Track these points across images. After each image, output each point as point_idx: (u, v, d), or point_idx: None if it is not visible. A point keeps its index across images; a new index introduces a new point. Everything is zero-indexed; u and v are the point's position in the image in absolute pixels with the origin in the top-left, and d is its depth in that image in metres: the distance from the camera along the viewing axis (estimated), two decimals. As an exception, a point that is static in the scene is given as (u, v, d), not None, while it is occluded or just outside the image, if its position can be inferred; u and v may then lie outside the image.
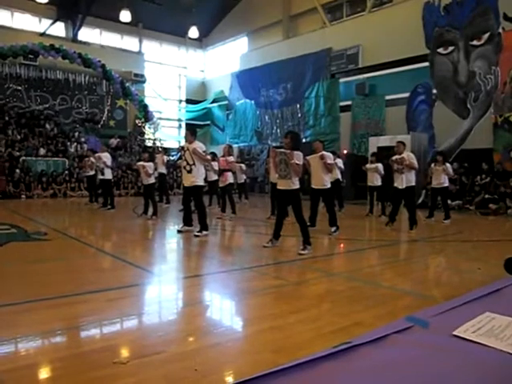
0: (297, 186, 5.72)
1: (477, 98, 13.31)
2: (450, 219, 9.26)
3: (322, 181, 7.24)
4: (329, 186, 7.33)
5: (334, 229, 7.33)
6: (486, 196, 11.92)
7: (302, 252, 5.53)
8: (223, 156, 10.05)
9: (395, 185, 8.00)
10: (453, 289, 3.93)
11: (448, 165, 9.41)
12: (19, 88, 19.04)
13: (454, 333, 0.91)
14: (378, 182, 10.40)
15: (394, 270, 5.12)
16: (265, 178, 19.54)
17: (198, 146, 7.01)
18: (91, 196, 12.58)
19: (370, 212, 10.66)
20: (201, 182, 7.10)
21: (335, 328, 2.87)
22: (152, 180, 9.66)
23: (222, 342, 2.68)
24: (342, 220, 7.74)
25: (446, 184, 9.34)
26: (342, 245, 6.82)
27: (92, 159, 11.66)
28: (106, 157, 11.13)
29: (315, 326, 2.92)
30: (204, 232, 6.95)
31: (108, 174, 11.19)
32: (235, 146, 21.62)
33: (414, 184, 7.92)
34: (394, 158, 8.06)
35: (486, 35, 13.08)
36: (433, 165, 9.63)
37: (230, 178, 9.92)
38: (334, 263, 5.59)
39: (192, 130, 7.37)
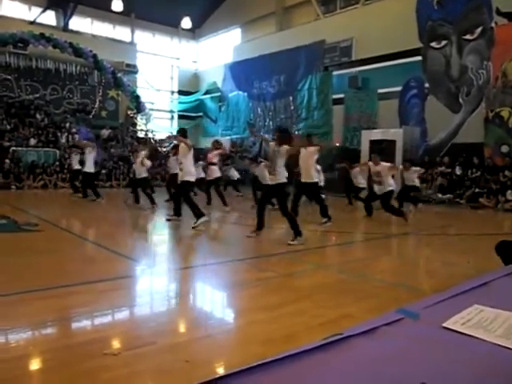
0: (283, 179, 5.81)
1: (469, 93, 13.36)
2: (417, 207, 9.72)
3: (310, 176, 7.28)
4: (316, 180, 7.43)
5: (325, 220, 7.36)
6: (477, 190, 12.03)
7: (291, 242, 5.58)
8: (211, 151, 10.27)
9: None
10: (442, 281, 3.97)
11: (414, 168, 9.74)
12: (9, 77, 18.72)
13: (444, 325, 0.92)
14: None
15: (384, 262, 5.17)
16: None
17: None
18: (76, 188, 12.03)
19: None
20: (190, 178, 7.12)
21: (324, 320, 2.89)
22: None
23: (212, 333, 2.70)
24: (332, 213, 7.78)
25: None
26: (332, 237, 6.85)
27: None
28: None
29: (304, 319, 2.94)
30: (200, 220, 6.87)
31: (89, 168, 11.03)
32: (227, 138, 21.55)
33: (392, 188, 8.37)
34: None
35: (479, 30, 13.10)
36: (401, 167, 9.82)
37: (216, 172, 10.06)
38: (323, 256, 5.62)
39: (182, 132, 7.36)
